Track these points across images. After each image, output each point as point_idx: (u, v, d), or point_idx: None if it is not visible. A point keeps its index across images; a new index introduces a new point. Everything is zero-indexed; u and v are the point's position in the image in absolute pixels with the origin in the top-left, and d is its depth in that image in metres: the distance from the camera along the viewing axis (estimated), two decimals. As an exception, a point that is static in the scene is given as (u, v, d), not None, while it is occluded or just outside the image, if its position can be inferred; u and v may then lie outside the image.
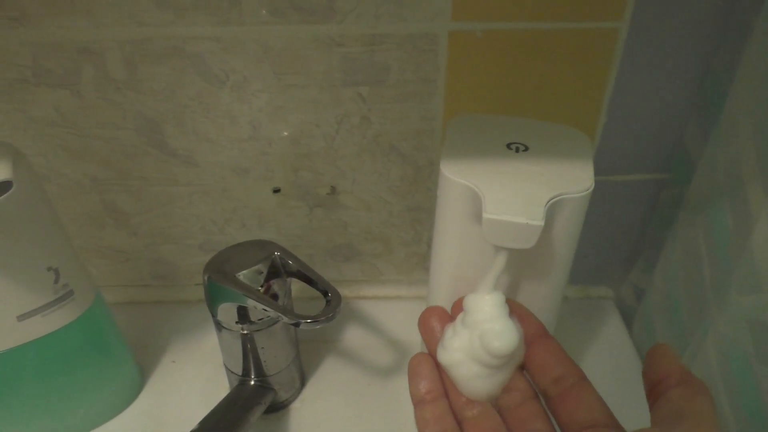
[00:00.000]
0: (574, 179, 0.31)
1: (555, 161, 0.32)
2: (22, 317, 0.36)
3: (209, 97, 0.42)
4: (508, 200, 0.29)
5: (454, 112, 0.42)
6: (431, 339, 0.32)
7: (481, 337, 0.29)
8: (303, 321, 0.35)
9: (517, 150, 0.33)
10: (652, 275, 0.49)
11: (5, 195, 0.30)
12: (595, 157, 0.45)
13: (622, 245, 0.51)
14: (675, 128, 0.44)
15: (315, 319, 0.35)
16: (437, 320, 0.32)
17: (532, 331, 0.30)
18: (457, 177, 0.31)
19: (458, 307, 0.32)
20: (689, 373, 0.25)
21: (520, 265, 0.34)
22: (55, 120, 0.42)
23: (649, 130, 0.44)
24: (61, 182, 0.46)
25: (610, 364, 0.49)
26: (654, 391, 0.26)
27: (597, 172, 0.45)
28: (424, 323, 0.32)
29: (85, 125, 0.43)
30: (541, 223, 0.28)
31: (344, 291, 0.54)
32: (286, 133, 0.43)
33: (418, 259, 0.52)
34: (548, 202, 0.29)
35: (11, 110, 0.42)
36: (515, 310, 0.31)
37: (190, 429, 0.37)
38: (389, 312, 0.53)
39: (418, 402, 0.30)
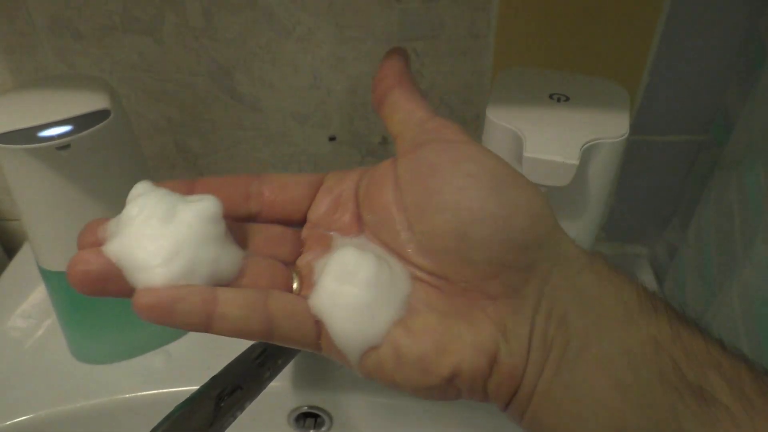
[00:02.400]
0: (610, 127, 0.33)
1: (593, 110, 0.34)
2: (107, 237, 0.41)
3: (276, 46, 0.45)
4: (546, 142, 0.32)
5: (502, 68, 0.45)
6: None
7: None
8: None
9: (558, 100, 0.35)
10: (685, 233, 0.51)
11: (104, 122, 0.35)
12: (636, 117, 0.47)
13: (658, 204, 0.53)
14: (716, 90, 0.45)
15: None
16: None
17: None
18: (502, 121, 0.34)
19: None
20: (406, 75, 0.27)
21: (556, 209, 0.36)
22: (138, 64, 0.47)
23: (691, 91, 0.45)
24: (139, 122, 0.50)
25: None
26: (377, 91, 0.27)
27: (637, 131, 0.48)
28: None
29: (164, 70, 0.47)
30: (576, 162, 0.31)
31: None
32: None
33: (461, 209, 0.55)
34: (584, 144, 0.32)
35: (100, 54, 0.46)
36: None
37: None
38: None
39: None
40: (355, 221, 0.26)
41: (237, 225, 0.25)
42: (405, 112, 0.26)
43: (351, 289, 0.23)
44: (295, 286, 0.25)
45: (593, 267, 0.24)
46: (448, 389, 0.23)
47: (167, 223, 0.22)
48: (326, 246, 0.26)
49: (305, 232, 0.27)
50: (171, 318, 0.21)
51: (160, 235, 0.22)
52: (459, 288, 0.23)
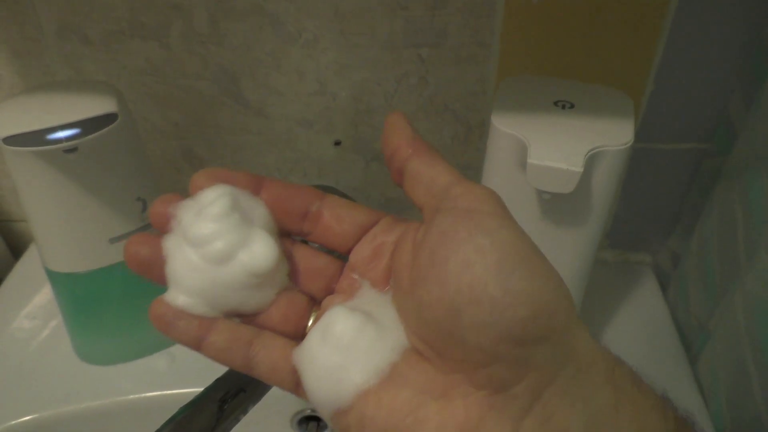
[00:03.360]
0: (614, 134, 0.33)
1: (598, 118, 0.35)
2: (113, 240, 0.42)
3: (282, 52, 0.46)
4: (551, 148, 0.32)
5: (506, 76, 0.45)
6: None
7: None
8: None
9: (563, 107, 0.36)
10: (689, 242, 0.51)
11: (112, 125, 0.35)
12: (641, 124, 0.47)
13: (662, 212, 0.53)
14: (720, 99, 0.45)
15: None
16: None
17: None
18: (506, 128, 0.34)
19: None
20: (419, 140, 0.25)
21: (559, 217, 0.37)
22: (145, 69, 0.47)
23: (695, 99, 0.46)
24: (146, 127, 0.51)
25: (644, 328, 0.52)
26: (394, 164, 0.25)
27: (641, 139, 0.48)
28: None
29: (171, 75, 0.48)
30: (581, 169, 0.31)
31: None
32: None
33: (464, 215, 0.55)
34: (588, 152, 0.32)
35: (108, 59, 0.47)
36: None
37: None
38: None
39: None
40: (387, 276, 0.25)
41: (288, 242, 0.26)
42: (427, 180, 0.24)
43: (325, 349, 0.23)
44: (309, 324, 0.25)
45: (614, 380, 0.21)
46: None
47: (220, 263, 0.23)
48: (353, 293, 0.25)
49: (344, 272, 0.26)
50: (170, 331, 0.24)
51: (205, 270, 0.23)
52: (448, 365, 0.22)
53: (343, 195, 0.43)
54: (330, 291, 0.26)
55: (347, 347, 0.22)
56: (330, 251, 0.27)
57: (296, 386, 0.24)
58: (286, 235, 0.26)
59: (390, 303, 0.24)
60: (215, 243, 0.23)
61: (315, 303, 0.26)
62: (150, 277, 0.24)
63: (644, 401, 0.21)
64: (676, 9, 0.41)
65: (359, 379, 0.22)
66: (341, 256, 0.27)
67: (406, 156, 0.24)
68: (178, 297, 0.23)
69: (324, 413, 0.23)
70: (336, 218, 0.26)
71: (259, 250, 0.24)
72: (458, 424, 0.21)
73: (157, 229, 0.24)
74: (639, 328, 0.52)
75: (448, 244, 0.21)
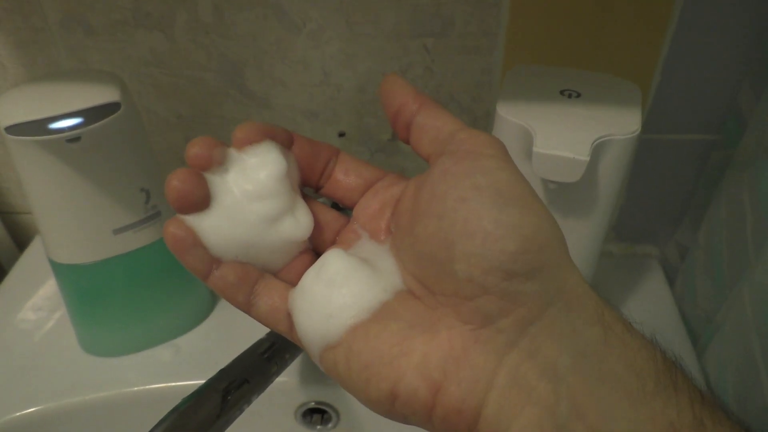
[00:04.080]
0: (621, 123, 0.33)
1: (605, 107, 0.34)
2: (117, 231, 0.42)
3: (286, 43, 0.45)
4: (557, 137, 0.32)
5: (513, 65, 0.45)
6: None
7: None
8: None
9: (569, 96, 0.35)
10: (696, 234, 0.51)
11: (115, 114, 0.35)
12: (648, 116, 0.47)
13: (669, 204, 0.53)
14: (728, 90, 0.45)
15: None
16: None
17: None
18: (512, 117, 0.34)
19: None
20: (424, 95, 0.26)
21: (565, 207, 0.36)
22: (150, 60, 0.47)
23: (703, 91, 0.45)
24: (150, 118, 0.51)
25: (651, 321, 0.51)
26: (400, 121, 0.26)
27: (648, 130, 0.47)
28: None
29: (175, 66, 0.47)
30: (587, 158, 0.31)
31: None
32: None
33: (470, 208, 0.55)
34: (595, 141, 0.32)
35: (112, 49, 0.47)
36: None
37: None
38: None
39: None
40: (387, 229, 0.26)
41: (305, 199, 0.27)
42: (434, 131, 0.24)
43: (318, 286, 0.23)
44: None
45: (604, 319, 0.21)
46: (391, 409, 0.22)
47: (265, 223, 0.24)
48: (352, 244, 0.26)
49: (348, 225, 0.27)
50: (184, 256, 0.24)
51: (248, 224, 0.24)
52: (438, 301, 0.22)
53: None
54: (333, 242, 0.27)
55: (340, 284, 0.23)
56: (338, 206, 0.28)
57: (291, 329, 0.24)
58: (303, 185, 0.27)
59: (388, 252, 0.25)
60: (268, 203, 0.24)
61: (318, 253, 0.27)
62: (184, 211, 0.24)
63: (633, 341, 0.21)
64: (684, -2, 0.41)
65: (349, 314, 0.23)
66: (347, 210, 0.28)
67: (413, 111, 0.25)
68: (210, 236, 0.24)
69: (313, 350, 0.23)
70: (344, 172, 0.27)
71: (303, 221, 0.25)
72: (442, 355, 0.21)
73: (193, 167, 0.24)
74: (645, 321, 0.50)
75: (449, 180, 0.22)
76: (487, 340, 0.21)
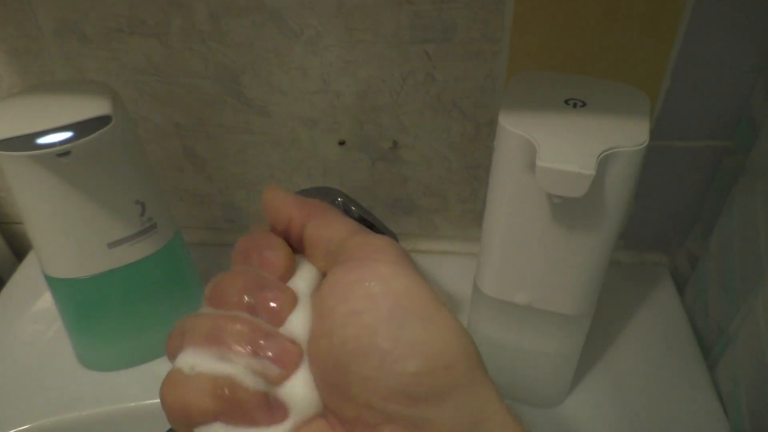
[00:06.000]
0: (628, 134, 0.32)
1: (611, 117, 0.33)
2: (111, 245, 0.41)
3: (284, 49, 0.44)
4: (561, 150, 0.30)
5: (516, 72, 0.44)
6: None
7: None
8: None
9: (574, 105, 0.34)
10: (707, 243, 0.49)
11: (105, 128, 0.34)
12: (657, 122, 0.45)
13: (680, 212, 0.51)
14: (740, 95, 0.43)
15: (374, 258, 0.37)
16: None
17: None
18: (515, 128, 0.32)
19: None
20: (310, 203, 0.23)
21: (571, 220, 0.35)
22: (145, 68, 0.46)
23: (714, 96, 0.44)
24: (147, 126, 0.50)
25: (661, 331, 0.50)
26: (292, 237, 0.23)
27: (658, 137, 0.46)
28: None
29: (171, 74, 0.46)
30: (593, 172, 0.29)
31: (401, 244, 0.56)
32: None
33: (474, 216, 0.54)
34: (601, 153, 0.30)
35: (107, 57, 0.46)
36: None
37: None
38: (443, 266, 0.55)
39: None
40: None
41: None
42: (325, 242, 0.22)
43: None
44: None
45: None
46: None
47: None
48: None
49: None
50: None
51: None
52: (345, 427, 0.20)
53: (346, 197, 0.42)
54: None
55: None
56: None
57: None
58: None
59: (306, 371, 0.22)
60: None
61: None
62: None
63: None
64: (695, 1, 0.39)
65: None
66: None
67: (301, 224, 0.23)
68: None
69: None
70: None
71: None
72: None
73: None
74: (655, 332, 0.50)
75: (337, 292, 0.20)
76: None
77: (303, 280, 0.23)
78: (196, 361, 0.20)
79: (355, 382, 0.19)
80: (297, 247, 0.24)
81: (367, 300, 0.19)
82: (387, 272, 0.20)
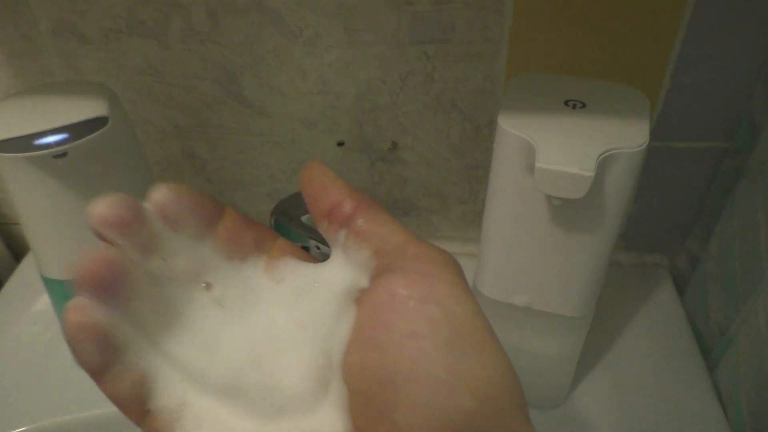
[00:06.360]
0: (628, 135, 0.31)
1: (611, 118, 0.33)
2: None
3: (283, 50, 0.44)
4: (561, 151, 0.30)
5: (516, 73, 0.44)
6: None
7: None
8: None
9: (574, 107, 0.34)
10: (708, 244, 0.49)
11: (102, 130, 0.34)
12: (657, 123, 0.45)
13: (680, 213, 0.51)
14: (741, 96, 0.43)
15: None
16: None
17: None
18: (514, 129, 0.32)
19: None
20: (360, 192, 0.22)
21: (571, 221, 0.35)
22: (144, 69, 0.46)
23: (714, 97, 0.43)
24: (146, 128, 0.50)
25: (661, 332, 0.50)
26: (333, 222, 0.22)
27: (658, 137, 0.46)
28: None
29: (170, 74, 0.46)
30: (592, 174, 0.29)
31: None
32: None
33: (473, 216, 0.53)
34: (600, 155, 0.30)
35: (106, 58, 0.46)
36: None
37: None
38: (443, 267, 0.55)
39: None
40: None
41: None
42: (378, 239, 0.21)
43: None
44: None
45: None
46: None
47: None
48: None
49: None
50: None
51: None
52: None
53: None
54: None
55: None
56: None
57: None
58: None
59: None
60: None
61: None
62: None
63: None
64: (695, 1, 0.39)
65: None
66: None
67: (349, 213, 0.21)
68: None
69: None
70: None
71: None
72: None
73: None
74: (655, 333, 0.50)
75: (397, 306, 0.19)
76: None
77: (339, 276, 0.21)
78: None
79: (403, 405, 0.18)
80: (330, 233, 0.22)
81: (428, 324, 0.18)
82: (448, 294, 0.19)
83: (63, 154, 0.33)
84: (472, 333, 0.18)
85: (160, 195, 0.21)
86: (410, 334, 0.18)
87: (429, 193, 0.52)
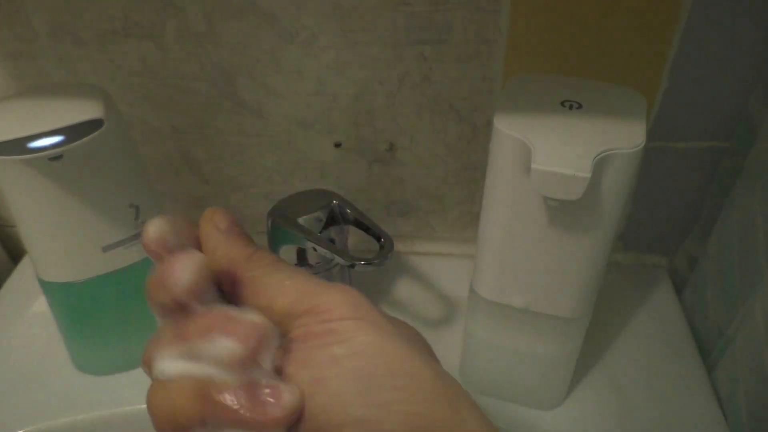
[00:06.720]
0: (625, 136, 0.31)
1: (607, 118, 0.33)
2: (106, 248, 0.40)
3: (280, 51, 0.44)
4: (557, 153, 0.30)
5: (513, 74, 0.43)
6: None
7: None
8: (357, 263, 0.37)
9: (570, 107, 0.34)
10: (706, 244, 0.49)
11: (97, 132, 0.34)
12: (655, 123, 0.45)
13: (678, 213, 0.51)
14: (739, 96, 0.43)
15: (369, 261, 0.37)
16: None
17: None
18: (510, 130, 0.32)
19: None
20: (259, 250, 0.21)
21: (568, 223, 0.35)
22: (140, 70, 0.46)
23: (712, 96, 0.43)
24: (143, 129, 0.49)
25: (660, 332, 0.50)
26: (228, 275, 0.21)
27: (656, 137, 0.46)
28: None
29: (167, 76, 0.46)
30: (588, 175, 0.29)
31: (398, 245, 0.56)
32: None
33: (471, 218, 0.53)
34: (597, 156, 0.30)
35: (102, 60, 0.46)
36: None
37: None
38: (440, 268, 0.55)
39: None
40: None
41: None
42: (264, 308, 0.20)
43: None
44: None
45: None
46: None
47: None
48: None
49: None
50: None
51: None
52: None
53: (342, 199, 0.42)
54: None
55: None
56: None
57: None
58: None
59: None
60: None
61: None
62: None
63: None
64: (692, 1, 0.39)
65: None
66: None
67: (246, 267, 0.21)
68: None
69: None
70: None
71: None
72: None
73: None
74: (653, 334, 0.50)
75: (298, 358, 0.18)
76: None
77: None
78: (165, 364, 0.20)
79: None
80: (228, 288, 0.22)
81: (331, 364, 0.17)
82: (349, 329, 0.18)
83: (59, 157, 0.33)
84: (381, 359, 0.17)
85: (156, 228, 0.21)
86: (315, 380, 0.17)
87: (426, 195, 0.52)
